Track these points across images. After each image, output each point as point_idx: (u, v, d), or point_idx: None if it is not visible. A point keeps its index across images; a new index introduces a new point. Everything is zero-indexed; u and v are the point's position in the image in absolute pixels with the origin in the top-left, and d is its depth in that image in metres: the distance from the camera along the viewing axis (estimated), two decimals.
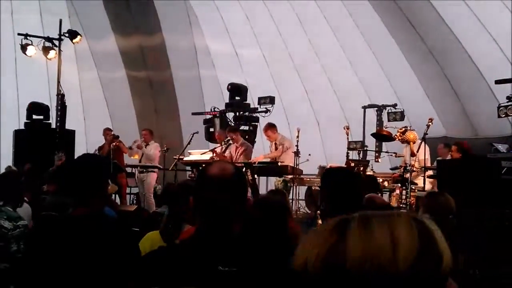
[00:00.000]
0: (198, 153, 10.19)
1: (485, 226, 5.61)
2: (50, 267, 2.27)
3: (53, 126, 11.12)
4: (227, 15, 13.76)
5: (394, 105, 11.12)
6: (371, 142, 10.74)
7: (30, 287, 2.37)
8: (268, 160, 9.92)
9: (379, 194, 7.23)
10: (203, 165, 8.75)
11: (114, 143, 11.00)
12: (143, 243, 3.41)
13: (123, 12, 14.57)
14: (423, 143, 8.24)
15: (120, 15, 14.57)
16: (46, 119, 11.38)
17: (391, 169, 9.43)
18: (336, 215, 0.98)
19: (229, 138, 9.96)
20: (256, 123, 11.28)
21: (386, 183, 8.88)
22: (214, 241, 1.69)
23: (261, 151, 10.74)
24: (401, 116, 10.83)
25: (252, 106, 11.51)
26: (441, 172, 7.38)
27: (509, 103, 8.28)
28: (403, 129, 9.01)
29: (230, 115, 11.69)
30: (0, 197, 4.07)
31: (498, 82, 8.98)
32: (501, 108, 8.37)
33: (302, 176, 9.62)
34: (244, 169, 8.71)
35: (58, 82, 10.82)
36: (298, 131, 9.23)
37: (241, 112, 11.35)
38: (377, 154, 10.51)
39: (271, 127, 9.95)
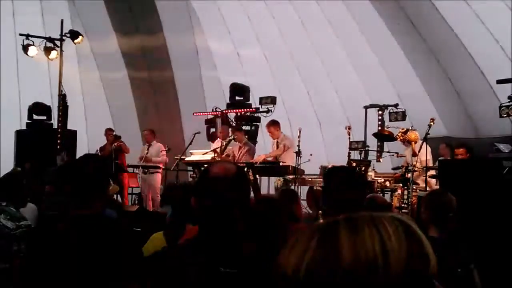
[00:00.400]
0: (200, 153, 10.19)
1: (486, 226, 5.61)
2: (50, 267, 2.27)
3: (55, 126, 11.14)
4: (229, 15, 13.76)
5: (396, 105, 11.11)
6: (372, 142, 10.73)
7: (30, 287, 2.37)
8: (269, 159, 9.92)
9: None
10: (205, 165, 8.78)
11: (115, 144, 11.03)
12: (148, 244, 3.40)
13: (125, 13, 14.58)
14: (424, 143, 8.23)
15: (122, 16, 14.58)
16: (48, 120, 11.40)
17: (393, 169, 9.42)
18: (337, 215, 0.97)
19: (231, 136, 9.97)
20: (258, 123, 11.29)
21: (387, 183, 8.87)
22: (216, 242, 1.69)
23: (263, 151, 10.74)
24: (402, 116, 10.82)
25: (253, 106, 11.52)
26: (443, 172, 7.36)
27: (511, 103, 8.27)
28: (405, 129, 9.01)
29: (231, 115, 11.72)
30: (3, 197, 4.08)
31: (499, 82, 8.97)
32: (502, 108, 8.35)
33: (303, 176, 9.62)
34: (245, 169, 8.71)
35: (60, 82, 10.83)
36: (300, 131, 9.23)
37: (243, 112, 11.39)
38: (378, 154, 10.50)
39: (274, 124, 9.95)
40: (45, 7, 14.03)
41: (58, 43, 11.06)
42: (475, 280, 3.35)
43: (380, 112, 11.48)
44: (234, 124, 11.29)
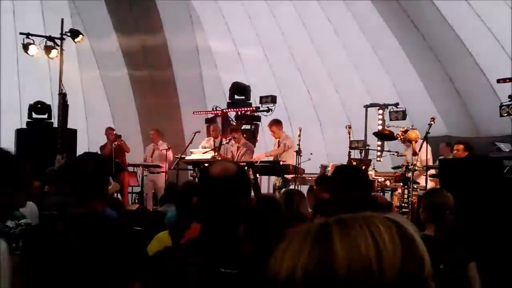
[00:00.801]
0: (200, 152, 10.19)
1: (486, 225, 5.61)
2: (50, 266, 2.27)
3: (55, 125, 11.13)
4: (229, 15, 13.76)
5: (396, 104, 11.11)
6: (373, 141, 10.73)
7: (28, 286, 2.36)
8: (270, 157, 9.92)
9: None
10: (205, 164, 8.78)
11: (116, 142, 11.04)
12: (153, 244, 3.39)
13: (125, 11, 14.57)
14: (425, 142, 8.23)
15: (122, 14, 14.57)
16: (48, 118, 11.39)
17: (393, 168, 9.42)
18: (338, 214, 0.96)
19: (224, 142, 9.99)
20: (258, 122, 11.28)
21: (388, 182, 8.88)
22: (217, 242, 1.69)
23: (263, 150, 10.74)
24: (403, 115, 10.82)
25: (254, 105, 11.52)
26: (443, 171, 7.35)
27: (511, 102, 8.26)
28: (405, 128, 9.01)
29: (232, 114, 11.71)
30: None
31: (500, 81, 8.96)
32: (503, 107, 8.35)
33: (304, 175, 9.62)
34: (246, 168, 8.71)
35: (60, 81, 10.81)
36: (300, 130, 9.22)
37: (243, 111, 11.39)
38: (379, 153, 10.50)
39: (276, 123, 9.94)
40: (46, 6, 14.02)
41: (58, 42, 11.03)
42: (474, 277, 3.35)
43: (380, 111, 11.49)
44: (234, 123, 11.28)
